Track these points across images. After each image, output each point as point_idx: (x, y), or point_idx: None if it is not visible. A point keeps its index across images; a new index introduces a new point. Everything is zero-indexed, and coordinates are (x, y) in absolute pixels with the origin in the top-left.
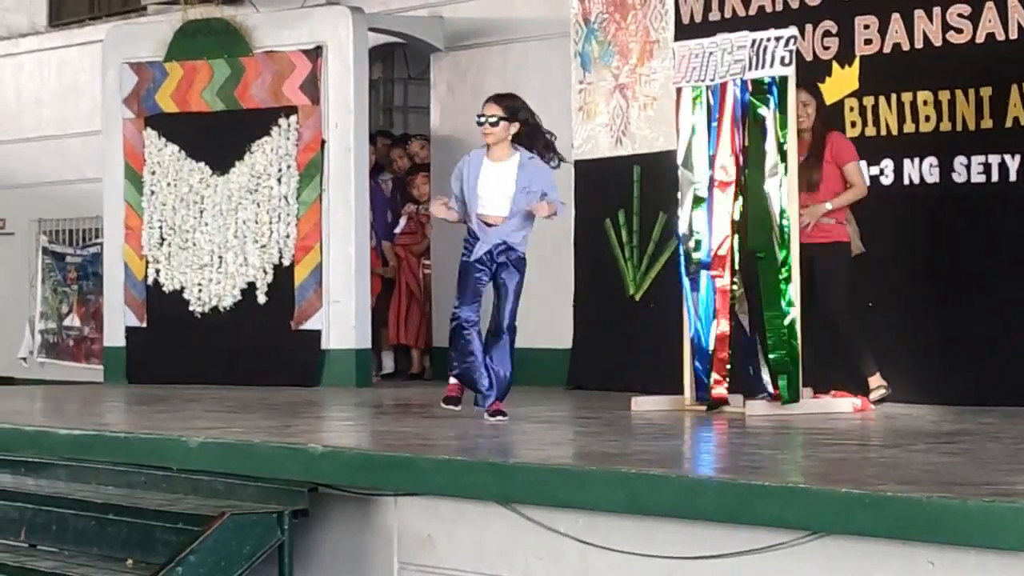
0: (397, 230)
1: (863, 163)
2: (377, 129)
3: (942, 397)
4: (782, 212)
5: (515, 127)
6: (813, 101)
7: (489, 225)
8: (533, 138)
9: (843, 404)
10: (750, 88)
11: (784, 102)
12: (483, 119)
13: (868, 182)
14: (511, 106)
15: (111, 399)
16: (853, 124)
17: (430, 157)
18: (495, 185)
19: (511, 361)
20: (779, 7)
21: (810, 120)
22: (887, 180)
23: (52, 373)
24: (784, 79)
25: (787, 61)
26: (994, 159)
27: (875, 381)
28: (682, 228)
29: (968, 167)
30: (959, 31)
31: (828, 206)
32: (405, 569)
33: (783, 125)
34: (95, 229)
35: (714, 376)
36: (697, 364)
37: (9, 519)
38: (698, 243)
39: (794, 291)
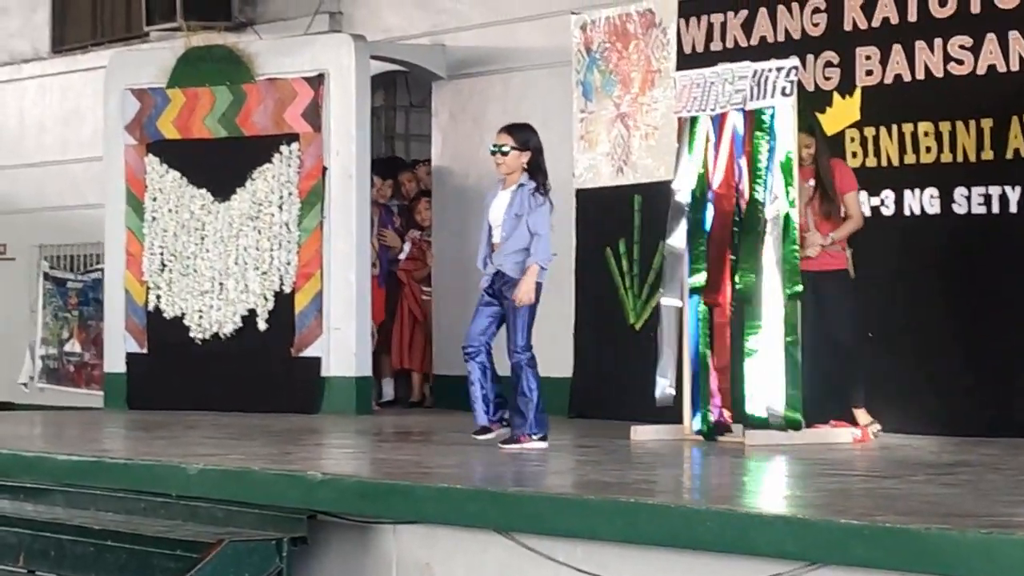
0: (401, 256)
1: (863, 193)
2: (388, 155)
3: (942, 428)
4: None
5: (526, 156)
6: (812, 140)
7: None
8: (534, 173)
9: (842, 435)
10: (750, 118)
11: (784, 132)
12: (494, 148)
13: (866, 212)
14: (523, 136)
15: (111, 425)
16: (854, 155)
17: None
18: (498, 211)
19: (527, 387)
20: (781, 37)
21: (811, 158)
22: (888, 211)
23: (52, 399)
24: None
25: (788, 91)
26: (995, 190)
27: (863, 416)
28: (672, 253)
29: (968, 198)
30: (960, 62)
31: (830, 239)
32: None
33: (784, 155)
34: (96, 255)
35: (713, 404)
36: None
37: (7, 544)
38: (697, 270)
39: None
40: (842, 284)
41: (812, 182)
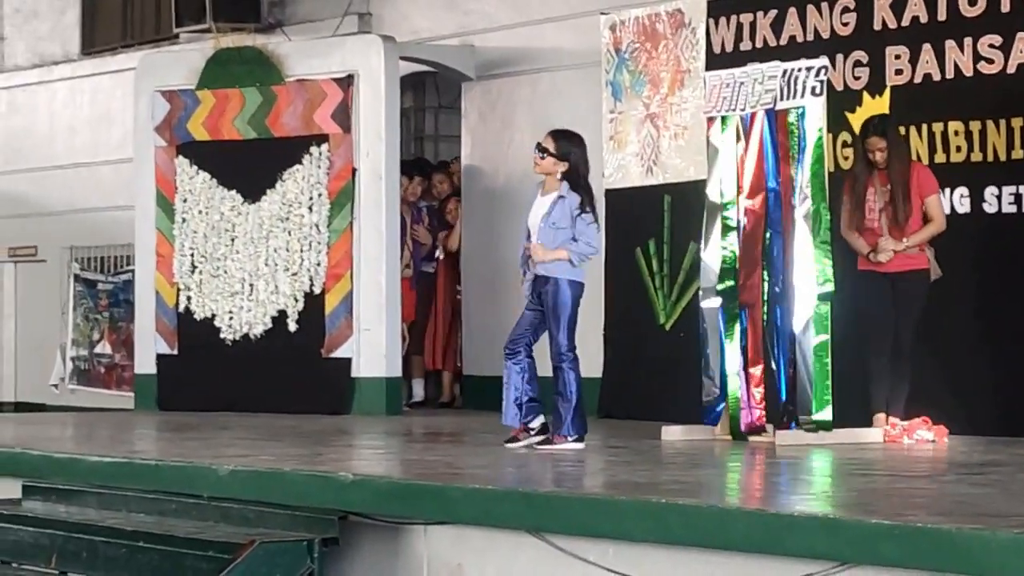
0: (438, 255)
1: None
2: (417, 156)
3: (974, 427)
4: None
5: (563, 166)
6: (886, 143)
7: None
8: (575, 187)
9: (873, 434)
10: (780, 118)
11: (814, 132)
12: (537, 148)
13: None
14: (564, 146)
15: (142, 426)
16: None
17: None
18: (535, 217)
19: (568, 389)
20: (810, 37)
21: (884, 161)
22: None
23: (83, 400)
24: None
25: (818, 91)
26: None
27: (880, 419)
28: (709, 257)
29: (999, 197)
30: (990, 61)
31: (904, 244)
32: None
33: (814, 155)
34: (126, 256)
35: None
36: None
37: (40, 546)
38: (726, 273)
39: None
40: (919, 284)
41: (888, 186)
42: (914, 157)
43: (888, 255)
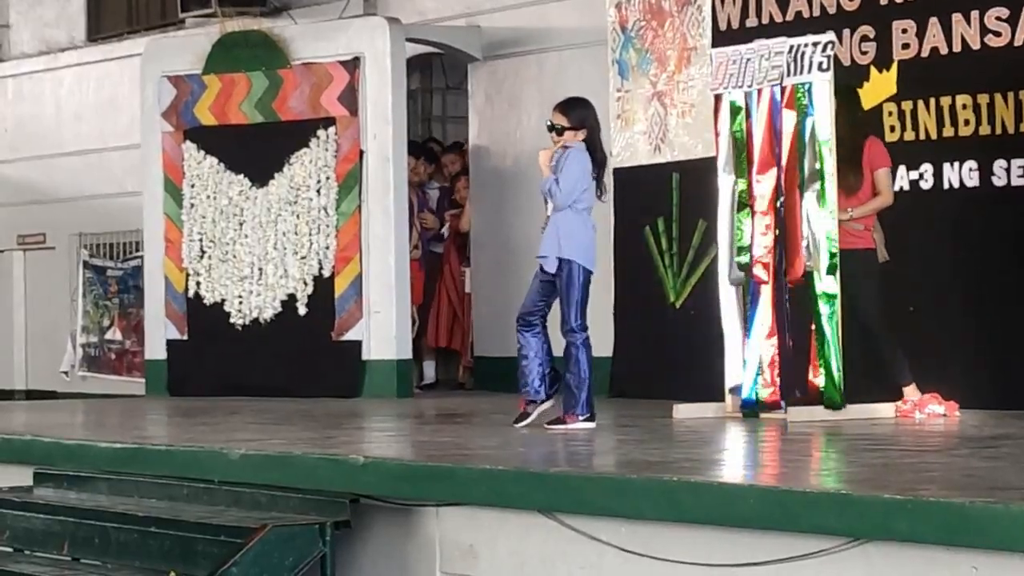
0: (444, 232)
1: (901, 167)
2: (427, 137)
3: (985, 401)
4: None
5: (582, 134)
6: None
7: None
8: (591, 150)
9: (884, 409)
10: (788, 94)
11: (822, 107)
12: (550, 126)
13: (904, 186)
14: (576, 115)
15: (153, 412)
16: (892, 128)
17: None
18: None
19: (581, 368)
20: (816, 12)
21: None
22: (927, 184)
23: (94, 387)
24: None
25: (825, 67)
26: None
27: (911, 391)
28: (722, 235)
29: (1008, 170)
30: (997, 34)
31: (848, 214)
32: None
33: (823, 131)
34: (135, 242)
35: (762, 383)
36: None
37: (52, 533)
38: (741, 249)
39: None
40: (864, 265)
41: None
42: (921, 131)
43: None
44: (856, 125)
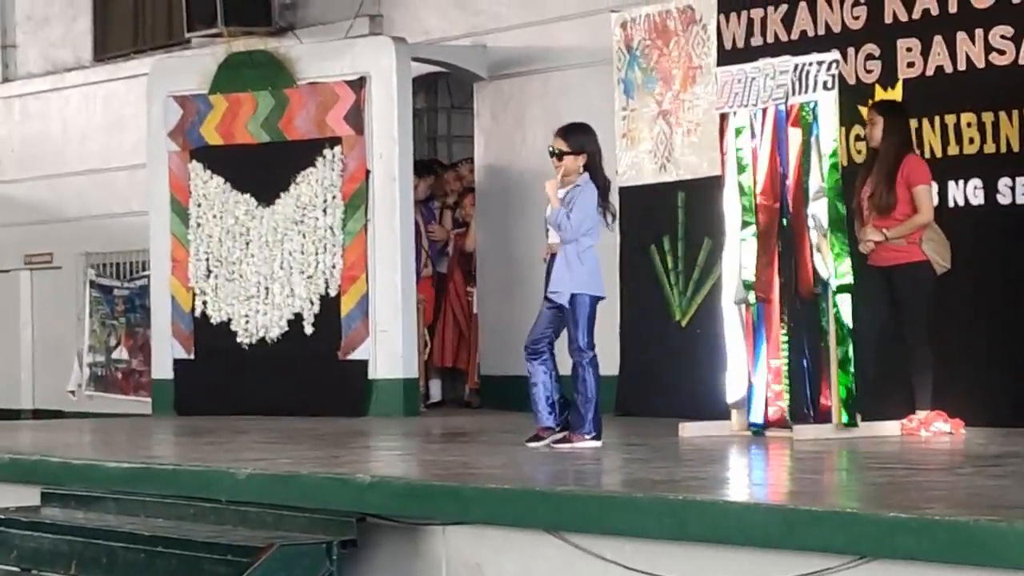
0: (449, 249)
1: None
2: (426, 158)
3: (990, 419)
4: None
5: (583, 159)
6: (880, 119)
7: (552, 255)
8: (594, 176)
9: (890, 427)
10: (793, 113)
11: (827, 126)
12: (551, 151)
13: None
14: (577, 140)
15: (159, 431)
16: None
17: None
18: (554, 211)
19: (588, 388)
20: (821, 31)
21: (875, 140)
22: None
23: (101, 406)
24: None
25: (830, 85)
26: None
27: (923, 415)
28: (728, 254)
29: (1013, 188)
30: (1002, 52)
31: (883, 235)
32: None
33: (828, 149)
34: (142, 262)
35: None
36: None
37: (59, 553)
38: (745, 269)
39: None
40: (911, 279)
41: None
42: (926, 150)
43: (867, 246)
44: (898, 142)
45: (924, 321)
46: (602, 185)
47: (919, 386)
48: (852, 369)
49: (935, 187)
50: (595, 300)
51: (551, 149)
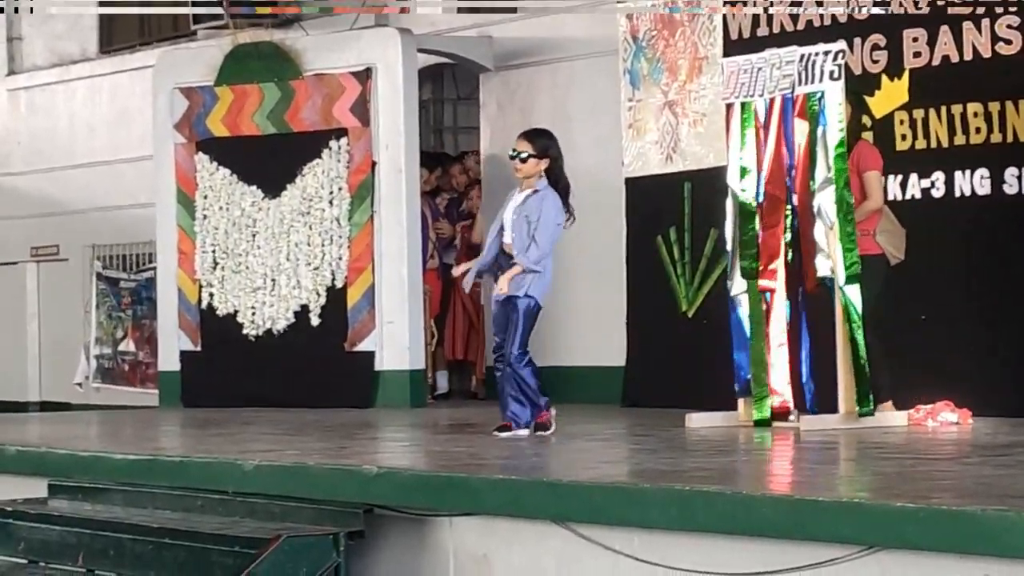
0: (456, 243)
1: (914, 176)
2: (433, 149)
3: (997, 409)
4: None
5: (544, 163)
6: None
7: (508, 256)
8: (555, 181)
9: (897, 418)
10: (799, 103)
11: (833, 116)
12: (513, 154)
13: (916, 194)
14: (541, 143)
15: (166, 423)
16: (903, 137)
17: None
18: (509, 212)
19: (525, 385)
20: (827, 21)
21: None
22: (938, 192)
23: (107, 398)
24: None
25: (836, 75)
26: None
27: (887, 407)
28: (730, 243)
29: (1019, 178)
30: (1008, 42)
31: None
32: None
33: (835, 139)
34: (148, 254)
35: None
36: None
37: (67, 545)
38: (749, 256)
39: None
40: (867, 274)
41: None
42: (933, 140)
43: None
44: (855, 131)
45: (870, 311)
46: (564, 188)
47: (875, 376)
48: (864, 358)
49: (942, 176)
50: (539, 308)
51: (513, 152)
